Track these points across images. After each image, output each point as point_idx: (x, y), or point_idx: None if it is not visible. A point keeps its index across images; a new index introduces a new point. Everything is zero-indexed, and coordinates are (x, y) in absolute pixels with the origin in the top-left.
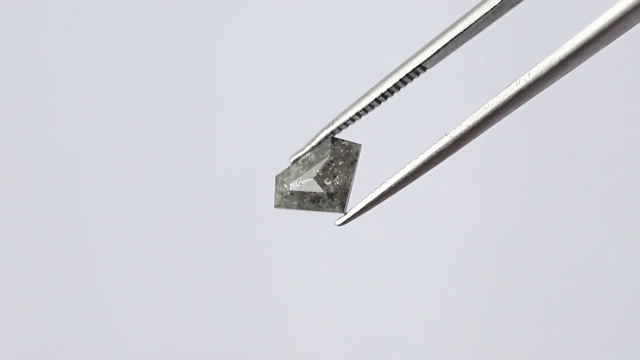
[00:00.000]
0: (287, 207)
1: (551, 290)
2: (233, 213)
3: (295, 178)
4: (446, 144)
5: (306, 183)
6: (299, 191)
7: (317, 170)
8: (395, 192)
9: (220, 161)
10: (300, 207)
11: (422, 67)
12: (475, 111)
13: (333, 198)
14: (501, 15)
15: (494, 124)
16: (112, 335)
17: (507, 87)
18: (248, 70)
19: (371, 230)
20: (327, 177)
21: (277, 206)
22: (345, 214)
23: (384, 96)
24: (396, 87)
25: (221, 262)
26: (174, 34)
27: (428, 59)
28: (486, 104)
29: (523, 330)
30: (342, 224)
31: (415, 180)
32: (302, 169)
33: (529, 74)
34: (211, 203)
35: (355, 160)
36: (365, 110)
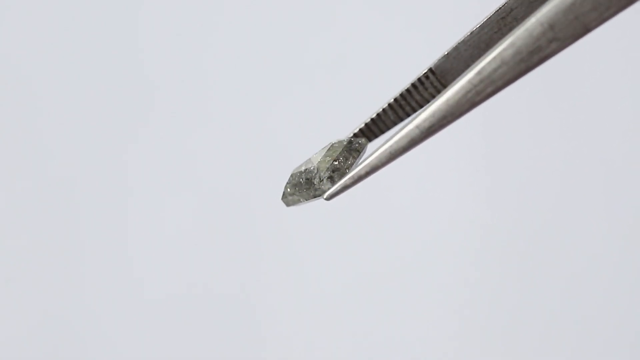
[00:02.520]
0: (291, 195)
1: (551, 288)
2: (233, 217)
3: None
4: (435, 111)
5: (304, 164)
6: (297, 172)
7: (317, 152)
8: (386, 164)
9: (220, 163)
10: (299, 192)
11: (440, 83)
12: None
13: (323, 172)
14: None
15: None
16: (109, 338)
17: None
18: (251, 69)
19: (370, 231)
20: (324, 156)
21: (283, 200)
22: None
23: (399, 103)
24: (411, 95)
25: (220, 267)
26: (173, 33)
27: (438, 61)
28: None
29: (523, 328)
30: (329, 197)
31: (406, 154)
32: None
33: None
34: (211, 205)
35: (357, 151)
36: (379, 115)
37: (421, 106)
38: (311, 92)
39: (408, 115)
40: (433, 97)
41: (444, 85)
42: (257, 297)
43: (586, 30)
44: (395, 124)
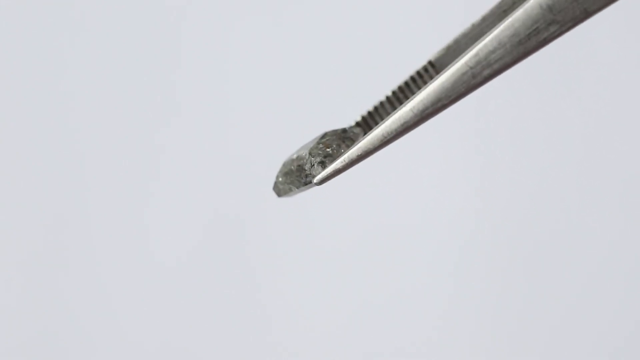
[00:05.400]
0: (282, 185)
1: (541, 280)
2: (235, 196)
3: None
4: (430, 93)
5: (296, 151)
6: (289, 160)
7: (310, 141)
8: (380, 149)
9: (226, 147)
10: (290, 180)
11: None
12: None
13: (315, 157)
14: None
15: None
16: (114, 322)
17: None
18: (260, 64)
19: (361, 217)
20: (317, 144)
21: (274, 189)
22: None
23: (397, 97)
24: (409, 88)
25: (222, 244)
26: (189, 30)
27: (438, 54)
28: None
29: (511, 321)
30: (320, 181)
31: (399, 139)
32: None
33: None
34: (215, 186)
35: (351, 139)
36: (377, 110)
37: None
38: (306, 84)
39: (400, 100)
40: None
41: None
42: (256, 276)
43: (586, 14)
44: (384, 107)
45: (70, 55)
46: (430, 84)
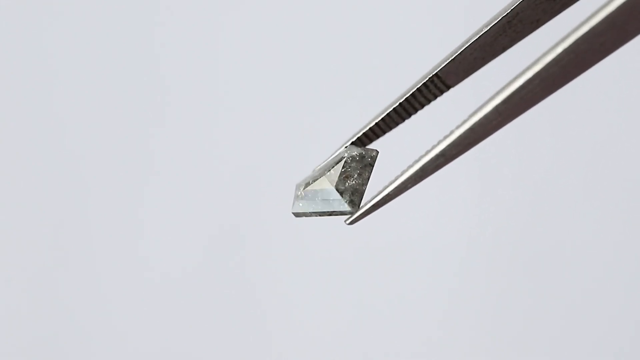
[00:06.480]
0: (304, 211)
1: (541, 281)
2: (236, 208)
3: (311, 181)
4: (462, 140)
5: (319, 182)
6: (312, 190)
7: (331, 170)
8: (411, 187)
9: (226, 157)
10: (314, 210)
11: (444, 84)
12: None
13: (343, 195)
14: (523, 34)
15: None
16: (114, 333)
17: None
18: (263, 70)
19: (362, 219)
20: (340, 175)
21: (294, 212)
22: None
23: (403, 107)
24: (415, 98)
25: (223, 257)
26: (186, 31)
27: (444, 66)
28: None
29: (511, 322)
30: (351, 222)
31: (430, 177)
32: (318, 172)
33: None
34: (215, 198)
35: (370, 165)
36: (384, 121)
37: (423, 106)
38: (311, 97)
39: (410, 115)
40: (435, 97)
41: (448, 86)
42: (256, 284)
43: (607, 53)
44: (397, 124)
45: (72, 58)
46: (460, 130)
